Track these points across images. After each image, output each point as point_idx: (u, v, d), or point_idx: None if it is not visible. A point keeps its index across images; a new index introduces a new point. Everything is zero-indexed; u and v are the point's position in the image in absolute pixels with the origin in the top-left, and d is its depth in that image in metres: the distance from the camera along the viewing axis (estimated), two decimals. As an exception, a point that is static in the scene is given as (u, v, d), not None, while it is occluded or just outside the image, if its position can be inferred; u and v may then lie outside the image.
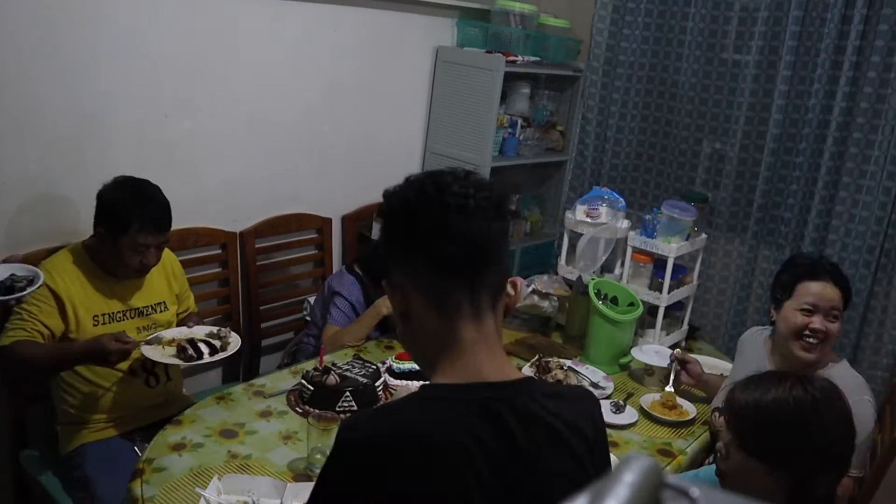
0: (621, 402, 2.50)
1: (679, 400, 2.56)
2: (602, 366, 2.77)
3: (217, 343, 2.32)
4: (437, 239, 1.15)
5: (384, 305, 2.73)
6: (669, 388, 2.57)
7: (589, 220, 3.03)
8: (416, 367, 2.46)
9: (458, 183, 1.16)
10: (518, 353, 2.83)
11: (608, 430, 2.31)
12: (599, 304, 2.77)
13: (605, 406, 2.48)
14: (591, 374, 2.68)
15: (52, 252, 2.41)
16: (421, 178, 1.19)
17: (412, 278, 1.19)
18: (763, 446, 1.58)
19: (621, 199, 3.11)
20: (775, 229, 3.51)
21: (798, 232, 3.43)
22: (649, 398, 2.58)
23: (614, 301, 2.85)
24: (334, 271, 3.25)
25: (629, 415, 2.45)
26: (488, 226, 1.16)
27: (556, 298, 3.07)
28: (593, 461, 1.24)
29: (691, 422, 2.48)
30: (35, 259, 2.47)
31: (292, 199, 3.29)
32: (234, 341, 2.35)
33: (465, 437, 1.12)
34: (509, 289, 1.25)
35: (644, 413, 2.50)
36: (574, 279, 3.04)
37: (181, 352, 2.25)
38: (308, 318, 3.08)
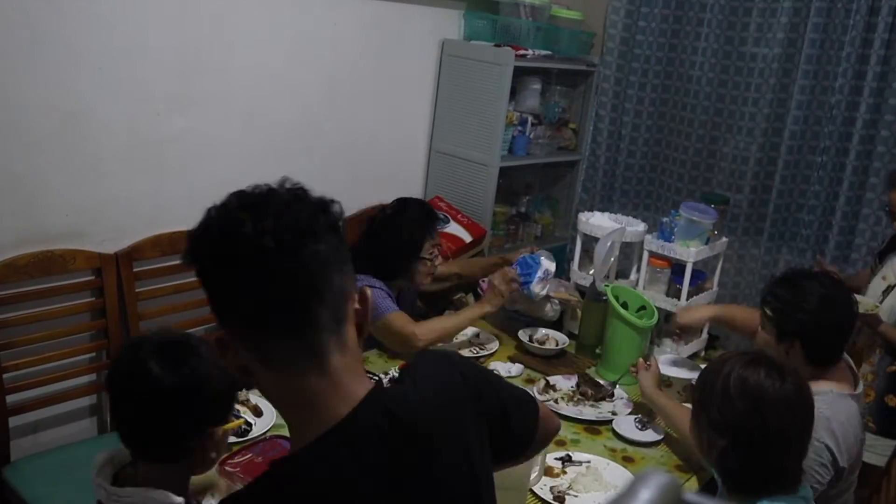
0: (646, 419, 2.46)
1: None
2: (619, 375, 2.76)
3: None
4: (237, 295, 1.06)
5: (489, 302, 2.72)
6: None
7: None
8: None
9: (251, 221, 1.04)
10: (525, 362, 2.82)
11: (626, 447, 2.33)
12: (620, 308, 2.76)
13: (630, 422, 2.45)
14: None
15: (39, 257, 2.41)
16: (211, 222, 1.10)
17: (233, 335, 1.10)
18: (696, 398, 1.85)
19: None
20: (797, 233, 3.50)
21: (821, 235, 3.42)
22: None
23: (624, 307, 2.84)
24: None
25: (654, 432, 2.42)
26: (298, 260, 1.05)
27: (557, 302, 3.06)
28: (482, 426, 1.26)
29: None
30: (21, 264, 2.48)
31: (290, 201, 3.29)
32: None
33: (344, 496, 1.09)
34: (357, 304, 1.15)
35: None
36: (588, 285, 3.03)
37: None
38: None
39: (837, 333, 2.21)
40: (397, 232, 2.77)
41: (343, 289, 1.10)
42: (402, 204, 2.87)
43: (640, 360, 2.50)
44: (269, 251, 1.02)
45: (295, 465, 1.10)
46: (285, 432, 2.15)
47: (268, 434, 2.15)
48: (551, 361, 2.84)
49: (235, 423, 1.48)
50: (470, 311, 2.77)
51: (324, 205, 1.10)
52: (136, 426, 1.45)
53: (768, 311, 2.23)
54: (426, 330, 2.62)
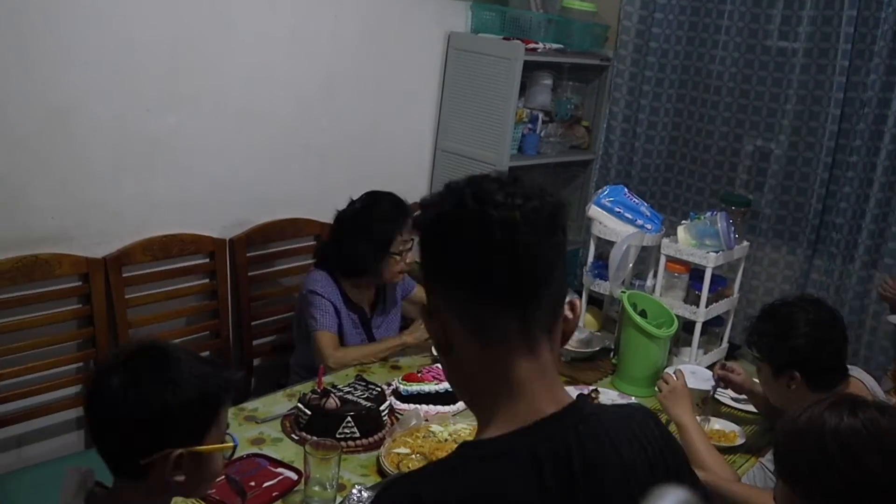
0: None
1: (723, 423, 2.55)
2: (635, 387, 2.75)
3: None
4: (478, 259, 1.09)
5: (412, 336, 2.79)
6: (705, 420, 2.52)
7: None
8: (426, 390, 2.45)
9: (502, 191, 1.09)
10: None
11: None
12: (636, 316, 2.75)
13: None
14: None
15: (22, 262, 2.41)
16: (460, 187, 1.13)
17: (451, 304, 1.13)
18: (789, 471, 1.58)
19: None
20: (826, 236, 3.49)
21: (851, 239, 3.41)
22: None
23: (643, 315, 2.83)
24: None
25: None
26: (538, 242, 1.10)
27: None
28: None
29: (740, 447, 2.46)
30: (3, 269, 2.48)
31: (287, 203, 3.30)
32: None
33: (532, 495, 1.07)
34: (567, 311, 1.18)
35: None
36: (605, 293, 3.02)
37: None
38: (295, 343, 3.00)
39: (835, 354, 2.22)
40: (366, 227, 2.78)
41: (562, 287, 1.16)
42: (371, 198, 2.88)
43: (668, 373, 2.41)
44: (519, 223, 1.08)
45: (492, 450, 1.10)
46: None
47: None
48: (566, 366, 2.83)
49: (217, 447, 1.42)
50: (389, 342, 2.82)
51: (562, 205, 1.15)
52: (95, 435, 1.43)
53: (756, 352, 2.28)
54: (340, 357, 2.73)
